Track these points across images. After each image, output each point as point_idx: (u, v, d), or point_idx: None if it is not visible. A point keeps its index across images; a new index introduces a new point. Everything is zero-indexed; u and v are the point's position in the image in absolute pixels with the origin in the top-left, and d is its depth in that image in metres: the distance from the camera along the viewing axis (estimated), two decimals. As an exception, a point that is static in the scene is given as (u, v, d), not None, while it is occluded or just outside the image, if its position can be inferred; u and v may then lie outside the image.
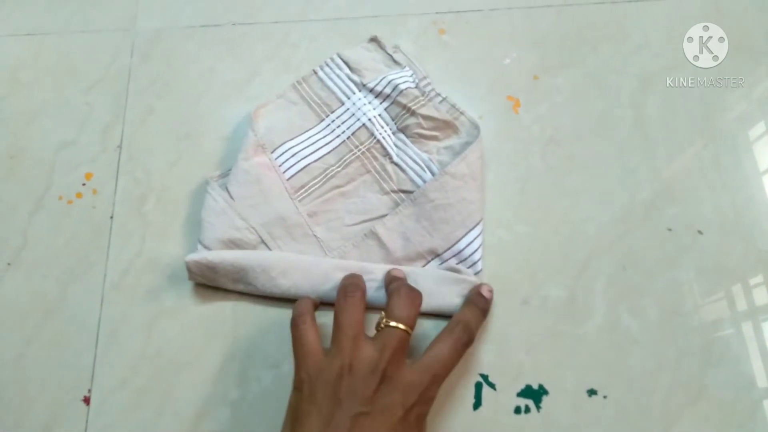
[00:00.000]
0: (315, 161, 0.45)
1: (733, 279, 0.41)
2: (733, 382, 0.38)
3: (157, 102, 0.49)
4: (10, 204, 0.46)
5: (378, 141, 0.45)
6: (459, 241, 0.41)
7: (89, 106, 0.49)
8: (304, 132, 0.46)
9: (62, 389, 0.41)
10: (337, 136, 0.46)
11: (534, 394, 0.39)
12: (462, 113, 0.46)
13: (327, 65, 0.48)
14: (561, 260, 0.42)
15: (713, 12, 0.48)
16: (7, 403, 0.41)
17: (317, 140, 0.46)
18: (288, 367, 0.40)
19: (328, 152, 0.45)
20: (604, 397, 0.39)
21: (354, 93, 0.47)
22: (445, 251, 0.41)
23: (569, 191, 0.44)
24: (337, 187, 0.45)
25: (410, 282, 0.39)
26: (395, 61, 0.48)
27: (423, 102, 0.45)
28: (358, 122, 0.46)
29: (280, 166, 0.45)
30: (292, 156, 0.45)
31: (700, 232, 0.42)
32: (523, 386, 0.39)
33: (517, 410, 0.39)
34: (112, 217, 0.45)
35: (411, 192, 0.43)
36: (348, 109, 0.47)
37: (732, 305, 0.40)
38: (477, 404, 0.39)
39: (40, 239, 0.45)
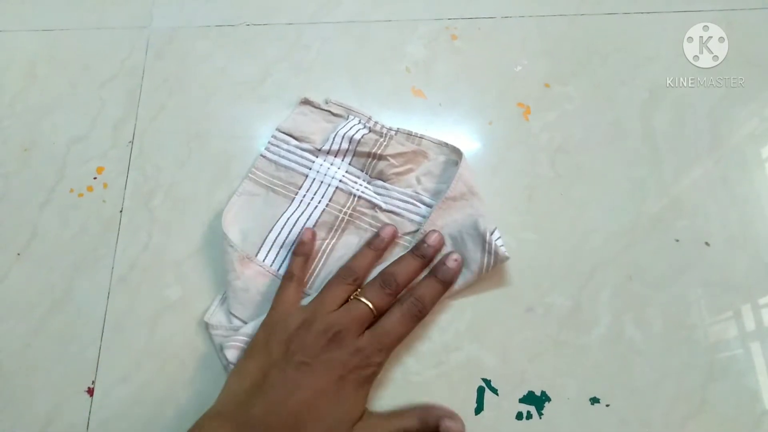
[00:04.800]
0: None
1: (739, 292, 0.41)
2: (736, 396, 0.38)
3: (169, 99, 0.50)
4: (22, 196, 0.47)
5: (359, 197, 0.44)
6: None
7: (103, 102, 0.50)
8: (280, 217, 0.44)
9: (66, 380, 0.41)
10: (315, 208, 0.44)
11: (536, 400, 0.39)
12: (421, 137, 0.46)
13: (272, 144, 0.46)
14: (567, 269, 0.42)
15: (725, 26, 0.48)
16: (13, 392, 0.41)
17: (296, 219, 0.43)
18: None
19: (314, 226, 0.43)
20: (607, 405, 0.38)
21: (313, 161, 0.45)
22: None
23: (577, 200, 0.44)
24: (341, 258, 0.42)
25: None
26: (335, 114, 0.47)
27: (384, 142, 0.45)
28: (330, 188, 0.44)
29: (271, 265, 0.42)
30: (280, 248, 0.43)
31: (707, 244, 0.42)
32: (525, 392, 0.39)
33: (519, 416, 0.39)
34: (121, 211, 0.46)
35: (415, 231, 0.43)
36: (314, 178, 0.45)
37: (737, 318, 0.40)
38: (479, 409, 0.39)
39: (49, 231, 0.46)
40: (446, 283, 0.39)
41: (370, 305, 0.37)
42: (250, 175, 0.45)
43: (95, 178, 0.47)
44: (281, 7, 0.52)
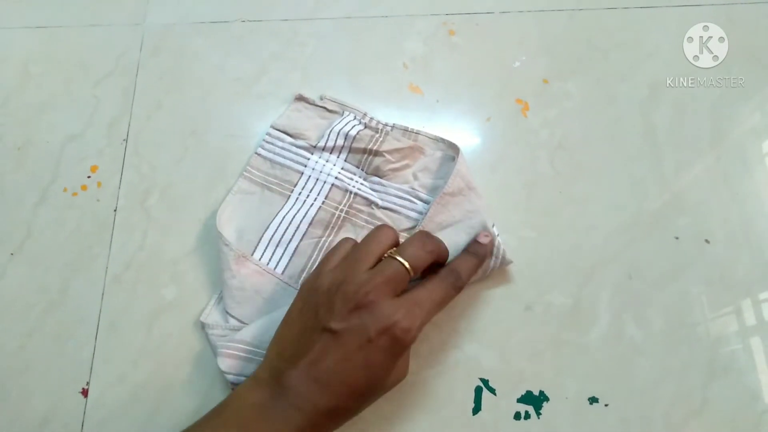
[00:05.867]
0: (301, 240, 0.42)
1: (740, 290, 0.40)
2: (737, 395, 0.38)
3: (164, 97, 0.49)
4: (16, 195, 0.46)
5: (355, 194, 0.43)
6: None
7: (97, 100, 0.49)
8: (276, 216, 0.43)
9: (61, 381, 0.41)
10: (311, 206, 0.43)
11: (534, 400, 0.38)
12: (417, 133, 0.45)
13: (267, 142, 0.45)
14: (566, 267, 0.42)
15: (725, 20, 0.48)
16: (8, 394, 0.41)
17: (292, 218, 0.43)
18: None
19: (309, 224, 0.43)
20: (606, 405, 0.38)
21: (308, 158, 0.45)
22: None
23: (576, 198, 0.44)
24: None
25: None
26: (329, 111, 0.47)
27: (380, 138, 0.44)
28: (326, 185, 0.44)
29: (267, 263, 0.42)
30: (276, 246, 0.42)
31: (707, 242, 0.41)
32: (523, 392, 0.39)
33: (517, 416, 0.38)
34: (115, 211, 0.45)
35: (411, 228, 0.42)
36: (309, 176, 0.44)
37: (738, 316, 0.40)
38: (476, 409, 0.38)
39: (44, 231, 0.45)
40: (480, 257, 0.38)
41: (406, 264, 0.34)
42: (244, 173, 0.45)
43: (89, 177, 0.47)
44: (277, 3, 0.52)
